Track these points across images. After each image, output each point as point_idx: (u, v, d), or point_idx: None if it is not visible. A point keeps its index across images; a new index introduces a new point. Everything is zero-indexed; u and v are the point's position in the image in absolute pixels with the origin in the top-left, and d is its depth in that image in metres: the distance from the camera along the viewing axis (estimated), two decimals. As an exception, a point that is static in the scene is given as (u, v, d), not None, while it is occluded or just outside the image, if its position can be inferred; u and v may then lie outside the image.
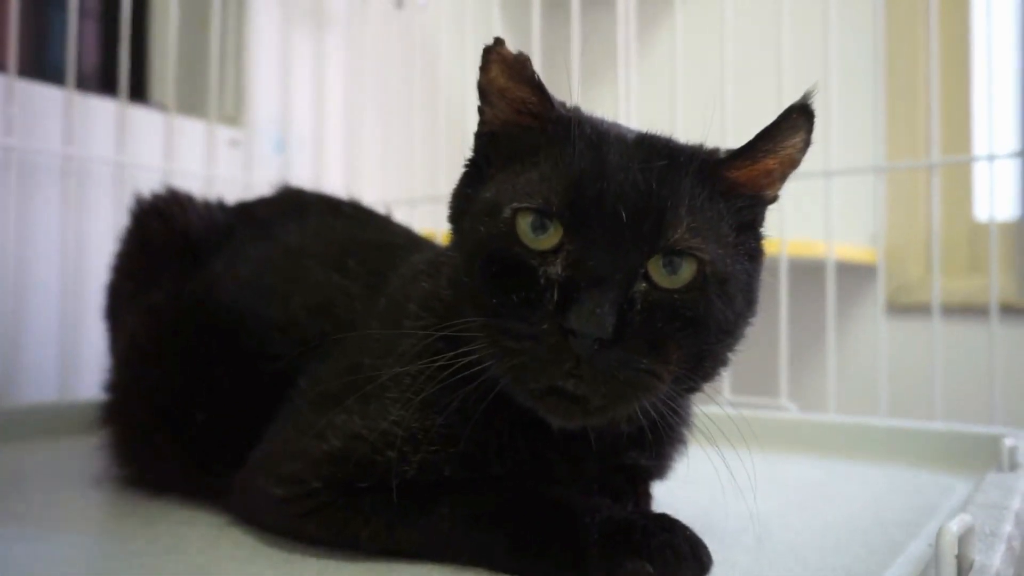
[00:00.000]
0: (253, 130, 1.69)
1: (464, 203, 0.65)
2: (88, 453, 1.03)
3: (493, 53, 0.62)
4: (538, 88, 0.62)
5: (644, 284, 0.56)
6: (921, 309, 1.86)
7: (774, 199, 0.65)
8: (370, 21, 1.82)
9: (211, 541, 0.69)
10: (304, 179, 1.76)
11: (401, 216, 1.47)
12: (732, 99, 1.34)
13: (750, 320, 0.63)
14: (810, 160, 1.28)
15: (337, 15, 1.87)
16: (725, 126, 1.34)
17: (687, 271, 0.57)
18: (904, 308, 2.06)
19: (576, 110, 0.65)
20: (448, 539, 0.62)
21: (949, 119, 1.78)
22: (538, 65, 1.52)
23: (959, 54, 1.94)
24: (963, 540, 0.49)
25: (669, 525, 0.59)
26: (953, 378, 1.25)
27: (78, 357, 1.35)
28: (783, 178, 0.64)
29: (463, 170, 0.67)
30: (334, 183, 1.80)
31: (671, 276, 0.56)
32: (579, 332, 0.52)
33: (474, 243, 0.60)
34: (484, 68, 0.63)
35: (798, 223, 1.34)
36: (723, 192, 0.61)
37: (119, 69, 1.42)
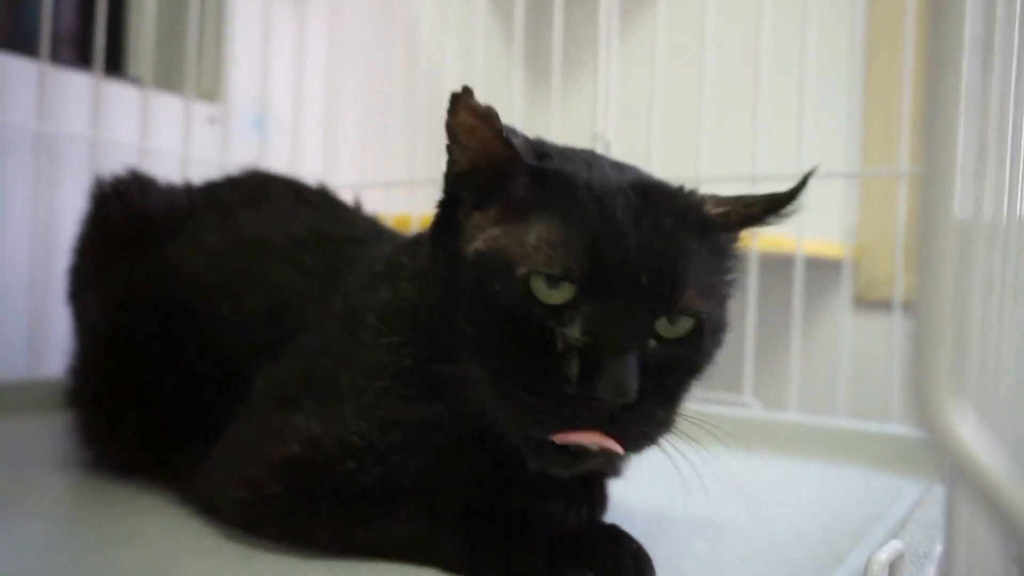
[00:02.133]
0: (231, 107, 1.67)
1: (446, 249, 0.63)
2: (55, 432, 1.04)
3: (461, 102, 0.59)
4: (508, 143, 0.59)
5: (653, 341, 0.57)
6: (888, 305, 1.90)
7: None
8: (352, 0, 1.80)
9: (173, 532, 0.69)
10: (281, 158, 1.75)
11: (377, 199, 1.48)
12: (710, 93, 1.34)
13: None
14: (783, 163, 1.30)
15: (319, -8, 1.86)
16: (702, 121, 1.35)
17: (686, 324, 0.58)
18: (873, 303, 2.09)
19: (542, 145, 0.64)
20: (405, 541, 0.63)
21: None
22: (520, 50, 1.54)
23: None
24: (894, 565, 0.51)
25: (615, 536, 0.61)
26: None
27: (47, 334, 1.35)
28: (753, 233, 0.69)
29: (436, 211, 0.65)
30: (311, 163, 1.80)
31: (672, 328, 0.58)
32: (606, 400, 0.54)
33: (482, 299, 0.58)
34: (452, 112, 0.60)
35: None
36: (714, 243, 0.62)
37: (95, 42, 1.40)
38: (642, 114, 1.37)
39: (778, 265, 1.57)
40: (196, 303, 0.80)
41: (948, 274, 0.30)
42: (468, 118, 0.60)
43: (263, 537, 0.67)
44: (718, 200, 0.64)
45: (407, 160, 1.67)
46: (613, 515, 0.73)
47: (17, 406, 1.20)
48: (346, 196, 1.02)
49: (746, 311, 1.32)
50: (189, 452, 0.75)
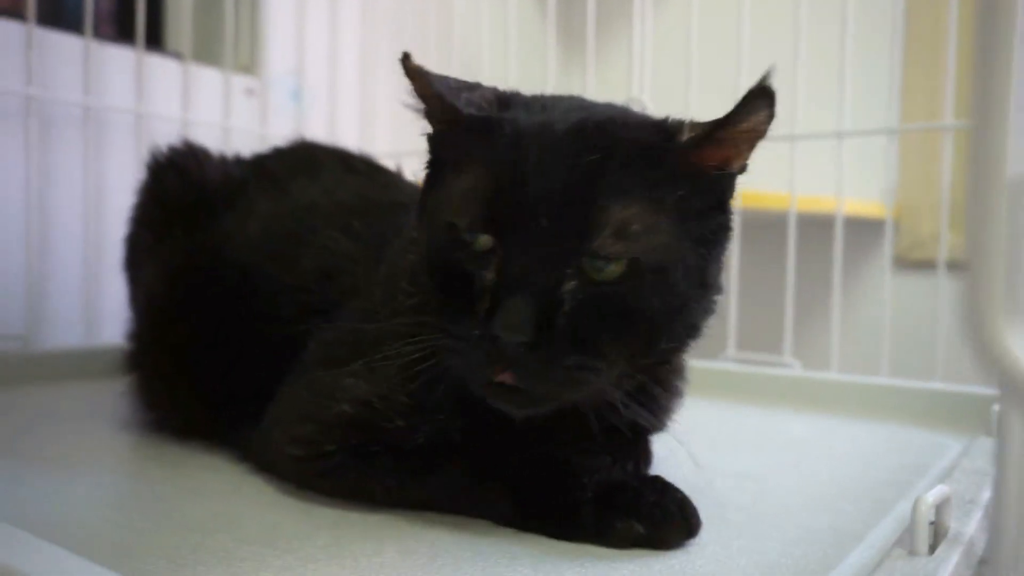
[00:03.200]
0: (268, 79, 1.69)
1: (424, 205, 0.67)
2: (112, 397, 1.07)
3: (405, 67, 0.63)
4: (441, 96, 0.62)
5: (574, 282, 0.56)
6: (931, 266, 1.88)
7: (743, 170, 0.64)
8: (385, -32, 1.80)
9: (234, 488, 0.73)
10: (317, 129, 1.77)
11: (411, 167, 1.49)
12: (748, 54, 1.33)
13: (707, 302, 0.63)
14: (823, 120, 1.28)
15: (352, -39, 1.86)
16: (739, 82, 1.34)
17: (618, 265, 0.57)
18: (915, 264, 2.07)
19: (507, 98, 0.65)
20: (456, 495, 0.66)
21: (966, 81, 1.75)
22: (553, 14, 1.53)
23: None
24: (940, 508, 0.52)
25: (661, 487, 0.62)
26: (958, 336, 1.27)
27: (100, 303, 1.39)
28: (751, 149, 0.62)
29: (424, 173, 0.68)
30: (348, 133, 1.81)
31: (604, 269, 0.57)
32: (502, 337, 0.54)
33: (426, 248, 0.63)
34: (408, 77, 0.64)
35: (809, 178, 1.34)
36: (682, 174, 0.60)
37: (136, 18, 1.42)
38: (679, 75, 1.36)
39: (817, 226, 1.56)
40: (252, 268, 0.83)
41: (999, 217, 0.30)
42: (417, 85, 0.63)
43: (319, 492, 0.69)
44: (694, 125, 0.60)
45: (443, 127, 1.67)
46: (657, 469, 0.75)
47: (75, 373, 1.25)
48: (386, 164, 1.03)
49: (786, 272, 1.31)
50: (244, 413, 0.78)
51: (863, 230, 1.95)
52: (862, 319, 2.02)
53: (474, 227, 0.58)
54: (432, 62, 1.77)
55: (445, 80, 0.65)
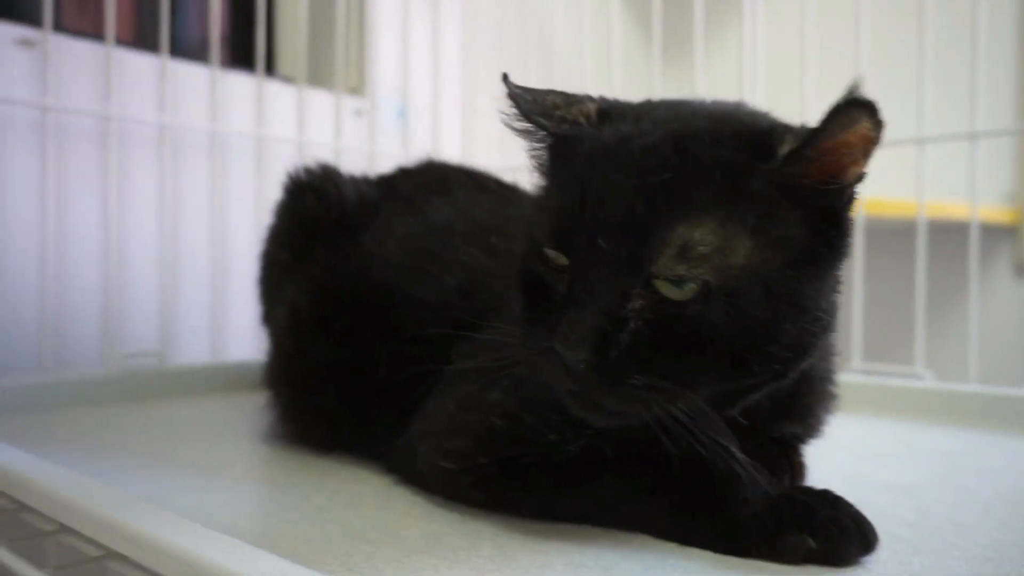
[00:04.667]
0: (375, 99, 1.73)
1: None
2: (244, 410, 1.12)
3: (506, 90, 0.65)
4: (528, 116, 0.64)
5: (641, 302, 0.55)
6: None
7: (859, 179, 0.59)
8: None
9: (386, 498, 0.74)
10: (422, 146, 1.80)
11: (518, 182, 1.50)
12: (867, 55, 1.29)
13: (807, 320, 0.59)
14: (952, 123, 1.23)
15: (453, -18, 1.89)
16: (860, 69, 1.30)
17: (688, 288, 0.55)
18: (1038, 271, 1.97)
19: (607, 106, 0.65)
20: (613, 508, 0.65)
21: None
22: (657, 21, 1.51)
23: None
24: None
25: (833, 501, 0.60)
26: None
27: (226, 322, 1.45)
28: (866, 158, 0.57)
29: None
30: (450, 150, 1.84)
31: (676, 289, 0.55)
32: (561, 352, 0.55)
33: (518, 260, 0.65)
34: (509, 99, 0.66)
35: (932, 184, 1.29)
36: (773, 191, 0.56)
37: (256, 46, 1.48)
38: (791, 80, 1.33)
39: (934, 232, 1.50)
40: (394, 285, 0.84)
41: None
42: (513, 102, 0.64)
43: (472, 504, 0.70)
44: (798, 135, 0.57)
45: (546, 142, 1.68)
46: (810, 483, 0.72)
47: (204, 388, 1.30)
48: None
49: (909, 280, 1.27)
50: (386, 427, 0.80)
51: (983, 236, 1.86)
52: (984, 328, 1.93)
53: (548, 244, 0.60)
54: (534, 76, 1.79)
55: (544, 95, 0.66)
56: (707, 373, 0.57)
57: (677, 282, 0.55)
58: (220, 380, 1.31)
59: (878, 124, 0.54)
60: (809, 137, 0.55)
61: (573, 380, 0.56)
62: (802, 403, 0.71)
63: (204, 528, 0.52)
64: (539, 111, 0.64)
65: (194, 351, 1.43)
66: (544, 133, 0.64)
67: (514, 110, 0.65)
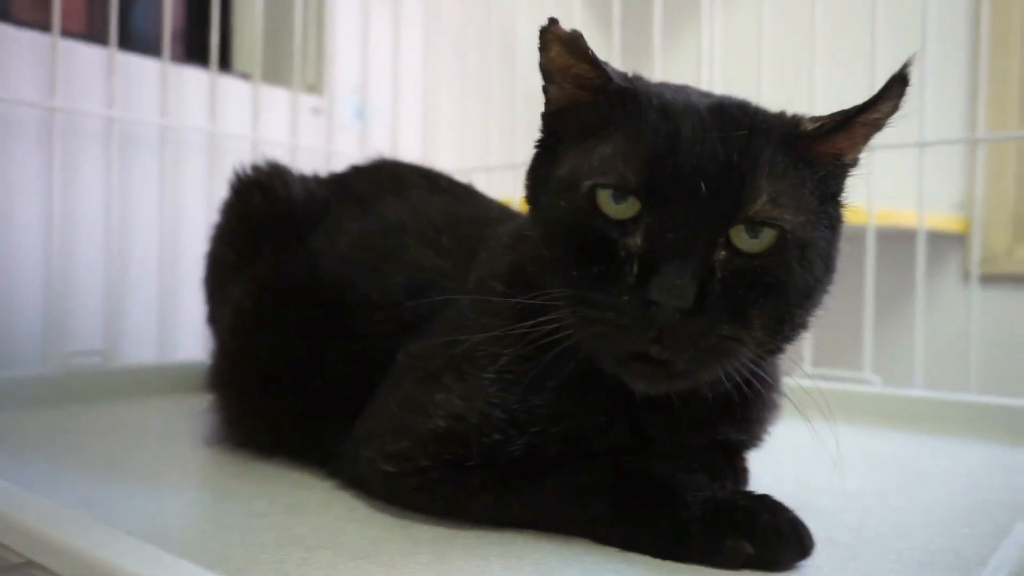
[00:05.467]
0: (334, 98, 1.71)
1: (539, 182, 0.67)
2: (190, 412, 1.09)
3: (549, 33, 0.63)
4: (594, 63, 0.62)
5: (724, 252, 0.57)
6: (1008, 279, 1.82)
7: (855, 163, 0.65)
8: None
9: (326, 503, 0.72)
10: (381, 146, 1.79)
11: (478, 183, 1.49)
12: (821, 62, 1.30)
13: (828, 287, 0.64)
14: (902, 131, 1.25)
15: (414, -19, 1.88)
16: (813, 90, 1.31)
17: (768, 237, 0.57)
18: (989, 278, 2.01)
19: (639, 79, 0.66)
20: (554, 511, 0.64)
21: None
22: (617, 23, 1.52)
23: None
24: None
25: (772, 506, 0.60)
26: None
27: (175, 320, 1.42)
28: (866, 142, 0.64)
29: (534, 151, 0.69)
30: (410, 150, 1.83)
31: (752, 240, 0.57)
32: (661, 303, 0.54)
33: (554, 218, 0.62)
34: (543, 48, 0.64)
35: (883, 191, 1.31)
36: (806, 161, 0.61)
37: (210, 41, 1.45)
38: (749, 83, 1.34)
39: (887, 241, 1.52)
40: (341, 286, 0.83)
41: None
42: (558, 51, 0.63)
43: (414, 509, 0.69)
44: (815, 118, 0.62)
45: (507, 144, 1.68)
46: (754, 487, 0.72)
47: (151, 389, 1.26)
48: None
49: (859, 287, 1.28)
50: (332, 430, 0.78)
51: (934, 244, 1.90)
52: (932, 335, 1.97)
53: (625, 186, 0.58)
54: (496, 76, 1.78)
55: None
56: (770, 323, 0.59)
57: (757, 231, 0.57)
58: (167, 381, 1.28)
59: (895, 108, 0.61)
60: (862, 107, 0.60)
61: (662, 334, 0.55)
62: (747, 408, 0.71)
63: (127, 537, 0.51)
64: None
65: (142, 351, 1.40)
66: (598, 84, 0.63)
67: (560, 59, 0.63)
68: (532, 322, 0.60)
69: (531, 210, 0.68)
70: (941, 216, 1.77)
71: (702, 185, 0.56)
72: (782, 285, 0.58)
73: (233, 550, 0.60)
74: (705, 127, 0.58)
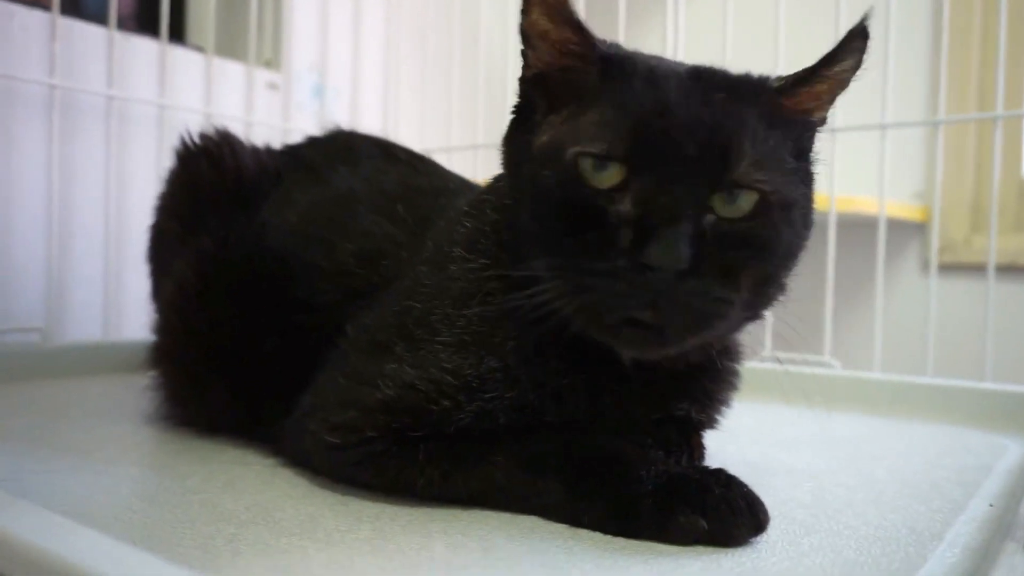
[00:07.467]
0: (291, 74, 1.67)
1: (518, 150, 0.65)
2: (135, 391, 1.05)
3: None
4: (579, 28, 0.61)
5: (712, 216, 0.56)
6: (965, 268, 1.83)
7: (823, 122, 0.66)
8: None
9: (266, 480, 0.69)
10: (341, 125, 1.75)
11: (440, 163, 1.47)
12: (784, 43, 1.29)
13: (806, 243, 0.64)
14: (864, 113, 1.25)
15: (376, -43, 1.84)
16: (776, 67, 1.30)
17: (747, 201, 0.57)
18: (947, 267, 2.02)
19: (617, 47, 0.64)
20: (503, 487, 0.62)
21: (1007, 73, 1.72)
22: (582, 12, 1.50)
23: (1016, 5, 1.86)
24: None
25: (726, 481, 0.58)
26: (997, 337, 1.23)
27: (121, 297, 1.37)
28: (832, 101, 0.65)
29: (511, 116, 0.67)
30: (370, 130, 1.78)
31: (731, 207, 0.57)
32: (659, 266, 0.53)
33: (540, 188, 0.60)
34: (525, 11, 0.63)
35: (845, 179, 1.31)
36: (780, 119, 0.61)
37: (160, 10, 1.40)
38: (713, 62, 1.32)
39: (848, 228, 1.52)
40: (290, 256, 0.80)
41: None
42: (540, 17, 0.62)
43: (359, 484, 0.66)
44: (781, 76, 0.63)
45: (468, 125, 1.65)
46: (710, 465, 0.71)
47: (93, 368, 1.22)
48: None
49: (823, 272, 1.28)
50: (278, 406, 0.75)
51: (894, 232, 1.91)
52: (891, 321, 1.98)
53: (612, 153, 0.57)
54: (457, 57, 1.75)
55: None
56: (756, 285, 0.59)
57: (739, 194, 0.57)
58: (112, 360, 1.23)
59: (858, 65, 0.63)
60: (822, 61, 0.61)
61: (658, 299, 0.54)
62: (704, 384, 0.69)
63: (36, 508, 0.47)
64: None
65: (86, 329, 1.34)
66: (582, 50, 0.61)
67: (542, 23, 0.62)
68: (522, 295, 0.59)
69: (509, 178, 0.66)
70: (901, 205, 1.78)
71: (690, 149, 0.56)
72: (770, 246, 0.59)
73: (160, 526, 0.56)
74: (688, 91, 0.58)
